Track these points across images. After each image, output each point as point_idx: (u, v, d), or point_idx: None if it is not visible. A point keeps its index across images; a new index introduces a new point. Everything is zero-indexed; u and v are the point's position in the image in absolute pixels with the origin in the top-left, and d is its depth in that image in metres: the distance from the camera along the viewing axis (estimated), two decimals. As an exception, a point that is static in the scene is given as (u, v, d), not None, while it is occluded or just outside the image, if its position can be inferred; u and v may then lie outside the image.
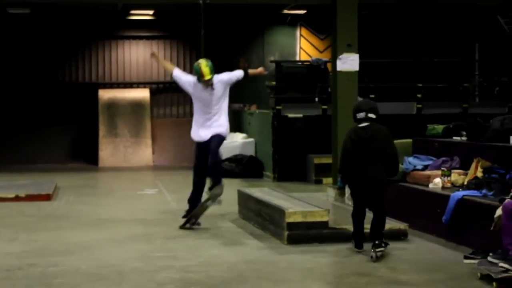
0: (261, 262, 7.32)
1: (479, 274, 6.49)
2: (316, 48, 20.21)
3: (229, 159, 15.47)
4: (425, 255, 7.62)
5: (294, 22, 20.10)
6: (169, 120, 19.98)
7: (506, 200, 6.58)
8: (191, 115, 20.76)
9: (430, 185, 8.96)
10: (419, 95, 15.15)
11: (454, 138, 9.99)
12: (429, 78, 16.49)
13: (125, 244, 8.32)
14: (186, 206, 11.14)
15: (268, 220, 8.82)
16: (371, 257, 7.37)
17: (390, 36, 19.19)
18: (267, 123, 15.18)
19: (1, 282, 6.59)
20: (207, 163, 9.25)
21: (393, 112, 14.49)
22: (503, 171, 8.31)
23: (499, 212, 6.60)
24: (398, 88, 16.58)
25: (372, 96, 14.47)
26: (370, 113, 7.67)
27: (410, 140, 10.64)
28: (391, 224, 8.30)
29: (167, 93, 20.15)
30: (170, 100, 20.15)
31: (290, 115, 14.85)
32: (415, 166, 9.56)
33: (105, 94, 19.41)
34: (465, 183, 8.59)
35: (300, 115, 14.89)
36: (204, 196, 9.38)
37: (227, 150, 15.04)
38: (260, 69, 9.76)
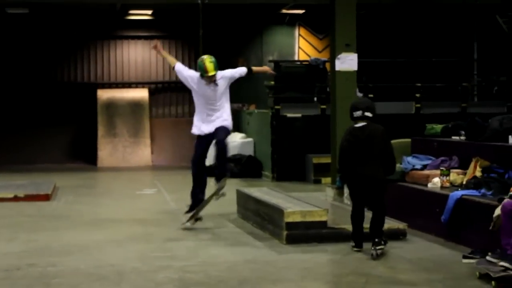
0: (260, 262, 7.32)
1: (477, 274, 6.50)
2: (315, 48, 20.22)
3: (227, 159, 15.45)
4: (424, 255, 7.62)
5: (293, 21, 20.11)
6: (168, 120, 19.98)
7: (505, 200, 6.58)
8: (190, 115, 20.96)
9: (429, 185, 8.96)
10: (417, 95, 15.15)
11: (453, 137, 9.99)
12: (428, 78, 16.49)
13: (124, 244, 8.31)
14: (185, 207, 11.16)
15: (267, 220, 8.82)
16: (372, 255, 7.42)
17: (388, 35, 19.19)
18: (266, 123, 15.18)
19: (0, 282, 6.59)
20: (205, 156, 9.28)
21: (391, 111, 14.50)
22: (502, 170, 8.31)
23: (498, 211, 6.60)
24: (396, 88, 16.58)
25: (371, 95, 14.47)
26: (367, 111, 7.69)
27: (409, 140, 10.64)
28: (390, 223, 8.30)
29: (165, 93, 20.15)
30: (169, 100, 20.16)
31: (289, 115, 14.85)
32: (414, 166, 9.56)
33: (103, 94, 19.41)
34: (464, 182, 8.59)
35: (299, 115, 14.89)
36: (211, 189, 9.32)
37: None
38: (267, 68, 9.71)
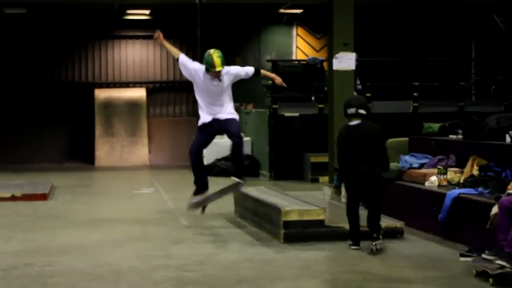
0: (258, 260, 7.32)
1: (474, 271, 6.51)
2: (313, 47, 20.22)
3: (225, 158, 15.45)
4: (421, 253, 7.63)
5: (291, 21, 20.11)
6: (165, 120, 19.98)
7: (502, 197, 6.59)
8: (188, 114, 21.01)
9: (426, 183, 8.97)
10: (415, 94, 15.17)
11: (450, 136, 10.01)
12: (426, 77, 16.52)
13: (121, 243, 8.31)
14: (183, 205, 11.14)
15: (265, 219, 8.82)
16: (372, 250, 7.53)
17: (386, 35, 19.20)
18: (264, 122, 15.18)
19: (-3, 281, 6.60)
20: (205, 147, 9.16)
21: (389, 110, 14.53)
22: (499, 169, 8.33)
23: (495, 210, 6.62)
24: (394, 87, 16.60)
25: (369, 95, 14.50)
26: (361, 109, 7.73)
27: (406, 139, 10.64)
28: (387, 222, 8.32)
29: (163, 92, 20.15)
30: (167, 100, 20.15)
31: (286, 114, 14.86)
32: (411, 165, 9.57)
33: (101, 94, 19.40)
34: (461, 181, 8.60)
35: (297, 114, 14.90)
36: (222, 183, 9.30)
37: (223, 149, 15.02)
38: (277, 77, 9.30)
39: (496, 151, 8.67)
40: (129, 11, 19.03)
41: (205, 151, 9.56)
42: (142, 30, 19.83)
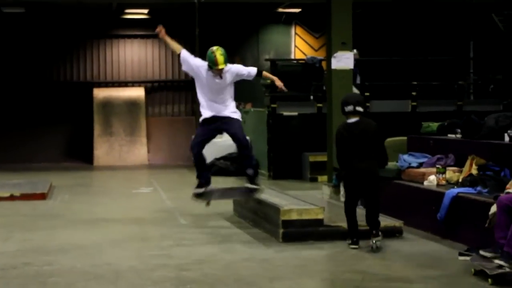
0: (257, 260, 7.33)
1: (473, 270, 6.51)
2: (311, 47, 20.24)
3: (224, 158, 15.47)
4: (420, 252, 7.63)
5: (289, 20, 20.13)
6: (164, 119, 19.99)
7: (501, 195, 6.61)
8: (186, 113, 21.00)
9: (425, 183, 8.97)
10: (414, 93, 15.18)
11: (449, 135, 10.01)
12: (424, 76, 16.53)
13: (120, 242, 8.31)
14: (181, 205, 11.16)
15: (264, 218, 8.82)
16: (371, 248, 7.59)
17: (384, 34, 19.21)
18: (262, 121, 15.18)
19: (-4, 281, 6.60)
20: (206, 143, 9.02)
21: (388, 110, 14.53)
22: (498, 168, 8.33)
23: (493, 209, 6.62)
24: (393, 86, 16.61)
25: (367, 94, 14.51)
26: (358, 106, 7.78)
27: (405, 138, 10.65)
28: (386, 221, 8.32)
29: (162, 91, 20.16)
30: (165, 99, 20.16)
31: (285, 113, 14.85)
32: (410, 164, 9.57)
33: (100, 93, 19.40)
34: (460, 180, 8.61)
35: (295, 113, 14.90)
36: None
37: (222, 148, 15.05)
38: (279, 81, 9.10)
39: (495, 150, 8.68)
40: (127, 11, 19.04)
41: (203, 151, 9.50)
42: (141, 30, 19.83)
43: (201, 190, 9.04)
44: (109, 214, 10.45)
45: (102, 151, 18.90)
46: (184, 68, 9.15)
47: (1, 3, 16.93)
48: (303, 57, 18.15)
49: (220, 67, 8.74)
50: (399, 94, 15.76)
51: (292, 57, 19.91)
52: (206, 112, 8.95)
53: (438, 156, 9.48)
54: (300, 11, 19.49)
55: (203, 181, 9.07)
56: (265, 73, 9.30)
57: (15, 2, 17.05)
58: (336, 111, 11.19)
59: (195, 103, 19.43)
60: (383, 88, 16.39)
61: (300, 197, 9.29)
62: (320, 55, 17.52)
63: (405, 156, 9.75)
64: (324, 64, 14.49)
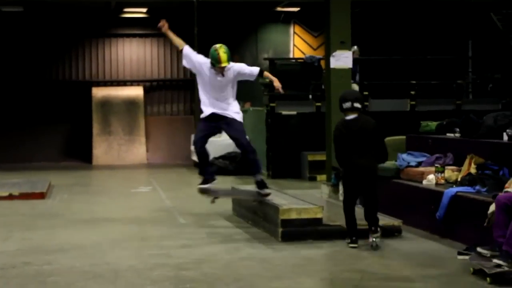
0: (256, 259, 7.33)
1: (471, 269, 6.52)
2: (310, 46, 20.24)
3: (222, 157, 15.47)
4: (419, 251, 7.64)
5: (288, 19, 20.13)
6: (162, 118, 19.99)
7: (500, 194, 6.61)
8: (185, 113, 20.98)
9: (424, 182, 8.98)
10: (412, 92, 15.18)
11: (448, 134, 10.01)
12: (423, 75, 16.54)
13: (119, 242, 8.31)
14: (180, 204, 11.17)
15: (262, 217, 8.83)
16: (371, 245, 7.66)
17: (383, 33, 19.22)
18: (261, 121, 15.19)
19: (-4, 280, 6.60)
20: (208, 138, 8.98)
21: (386, 109, 14.54)
22: (497, 167, 8.33)
23: (492, 208, 6.62)
24: (391, 85, 16.62)
25: (366, 93, 14.51)
26: (356, 102, 7.83)
27: (403, 137, 10.66)
28: (385, 220, 8.33)
29: (160, 91, 20.16)
30: (164, 98, 20.17)
31: (284, 113, 14.85)
32: (408, 163, 9.58)
33: (98, 92, 19.40)
34: (459, 179, 8.61)
35: (294, 112, 14.90)
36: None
37: (220, 147, 15.05)
38: (277, 82, 8.91)
39: (494, 149, 8.68)
40: (126, 9, 19.04)
41: (193, 149, 9.41)
42: (139, 28, 19.85)
43: (207, 185, 9.02)
44: (108, 214, 10.45)
45: (101, 150, 18.90)
46: (185, 64, 9.08)
47: (0, 2, 16.92)
48: (301, 56, 18.16)
49: (223, 65, 8.69)
50: (397, 93, 15.76)
51: (291, 56, 19.91)
52: (207, 109, 8.89)
53: (437, 155, 9.48)
54: (298, 10, 19.49)
55: (207, 177, 9.04)
56: (266, 73, 9.18)
57: (13, 1, 17.06)
58: (335, 110, 11.19)
59: (194, 102, 19.50)
60: (382, 87, 16.40)
61: (299, 196, 9.29)
62: (319, 54, 17.53)
63: (404, 155, 9.76)
64: (323, 63, 14.49)
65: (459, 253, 7.18)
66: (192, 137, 17.43)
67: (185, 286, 6.34)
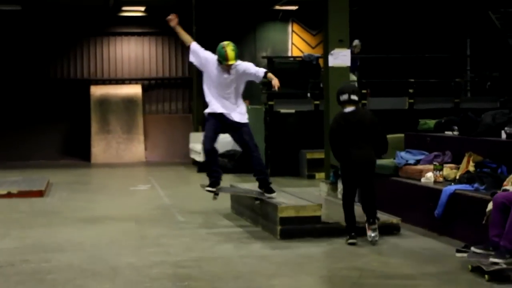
0: (254, 257, 7.33)
1: (470, 267, 6.53)
2: (308, 44, 20.24)
3: (221, 155, 15.41)
4: (418, 249, 7.65)
5: (286, 18, 20.13)
6: (161, 116, 19.99)
7: (498, 193, 6.62)
8: (184, 111, 20.96)
9: (422, 180, 8.98)
10: (411, 90, 15.18)
11: (446, 132, 10.02)
12: (421, 73, 16.54)
13: (118, 239, 8.31)
14: (179, 202, 11.17)
15: (261, 215, 8.83)
16: (371, 241, 7.75)
17: (381, 31, 19.22)
18: (260, 119, 15.18)
19: (-6, 278, 6.59)
20: (217, 138, 8.93)
21: (385, 107, 14.54)
22: (495, 165, 8.34)
23: (490, 206, 6.63)
24: (390, 83, 16.64)
25: (364, 91, 14.51)
26: (353, 95, 7.88)
27: (402, 135, 10.67)
28: (383, 218, 8.34)
29: (159, 89, 20.16)
30: (162, 96, 20.16)
31: (282, 111, 14.86)
32: (407, 161, 9.58)
33: (97, 91, 19.40)
34: (457, 177, 8.62)
35: (293, 111, 14.91)
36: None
37: (220, 145, 14.98)
38: (276, 81, 8.71)
39: (492, 147, 8.69)
40: (124, 8, 19.03)
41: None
42: (138, 27, 19.84)
43: (213, 189, 8.98)
44: (106, 212, 10.45)
45: (99, 148, 18.90)
46: (192, 59, 9.00)
47: (-2, 1, 16.92)
48: (300, 54, 18.15)
49: (230, 62, 8.64)
50: (396, 91, 15.78)
51: (289, 54, 19.92)
52: (215, 106, 8.80)
53: (435, 153, 9.49)
54: (297, 9, 19.49)
55: (213, 180, 8.99)
56: (269, 74, 8.90)
57: (11, -1, 17.05)
58: (333, 109, 11.20)
59: (193, 101, 19.51)
60: (380, 85, 16.41)
61: (298, 194, 9.29)
62: (317, 52, 17.53)
63: (402, 153, 9.76)
64: (321, 61, 14.49)
65: (458, 251, 7.19)
66: (191, 135, 17.57)
67: (184, 283, 6.35)
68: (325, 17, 11.65)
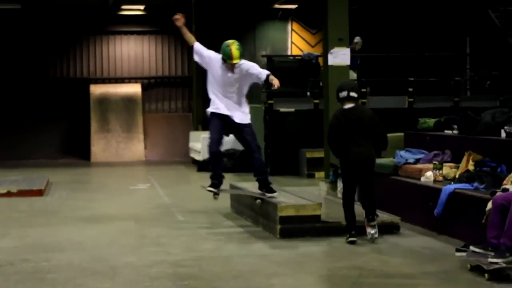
0: (254, 256, 7.34)
1: (469, 266, 6.53)
2: (308, 43, 20.23)
3: (221, 154, 15.44)
4: (417, 248, 7.65)
5: (286, 16, 20.12)
6: (161, 115, 19.99)
7: (496, 194, 6.61)
8: (183, 110, 20.96)
9: (422, 179, 8.98)
10: (410, 89, 15.18)
11: (446, 131, 10.02)
12: (421, 72, 16.53)
13: (117, 239, 8.31)
14: (179, 201, 11.18)
15: (261, 214, 8.83)
16: (370, 239, 7.78)
17: (381, 30, 19.21)
18: (259, 118, 15.17)
19: (-6, 277, 6.59)
20: (222, 139, 8.91)
21: (384, 106, 14.53)
22: (494, 164, 8.34)
23: (490, 205, 6.63)
24: (389, 82, 16.62)
25: (364, 90, 14.50)
26: (352, 92, 7.89)
27: (401, 134, 10.66)
28: (383, 217, 8.34)
29: (158, 88, 20.15)
30: (162, 95, 20.16)
31: (282, 110, 14.85)
32: (406, 160, 9.58)
33: (96, 90, 19.39)
34: (457, 176, 8.62)
35: (292, 110, 14.90)
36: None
37: (219, 144, 15.03)
38: (277, 82, 8.57)
39: (492, 146, 8.69)
40: (123, 7, 19.02)
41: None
42: (137, 26, 19.83)
43: (214, 189, 8.95)
44: (106, 211, 10.45)
45: (99, 147, 18.89)
46: (196, 59, 9.01)
47: (-3, 0, 16.91)
48: (299, 53, 18.15)
49: (235, 61, 8.63)
50: (395, 90, 15.77)
51: (289, 53, 19.91)
52: (219, 106, 8.77)
53: (435, 152, 9.49)
54: (296, 7, 19.48)
55: (216, 182, 8.96)
56: (271, 76, 8.74)
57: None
58: (333, 107, 11.18)
59: (192, 100, 19.50)
60: (380, 84, 16.40)
61: (298, 193, 9.29)
62: (317, 51, 17.52)
63: (402, 152, 9.76)
64: (320, 60, 14.49)
65: (457, 250, 7.18)
66: (191, 134, 17.57)
67: (184, 283, 6.35)
68: (324, 16, 11.65)
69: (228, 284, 6.28)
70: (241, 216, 9.65)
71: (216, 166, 8.99)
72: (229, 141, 15.95)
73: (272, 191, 8.78)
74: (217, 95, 8.81)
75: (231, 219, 9.54)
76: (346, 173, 8.01)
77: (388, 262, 7.06)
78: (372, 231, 7.83)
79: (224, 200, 10.21)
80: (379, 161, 8.70)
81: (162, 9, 18.96)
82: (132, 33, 19.95)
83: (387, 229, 8.26)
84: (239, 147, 15.98)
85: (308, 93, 15.34)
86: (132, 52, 19.97)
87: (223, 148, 15.18)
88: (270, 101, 14.82)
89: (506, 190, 6.70)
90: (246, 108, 8.96)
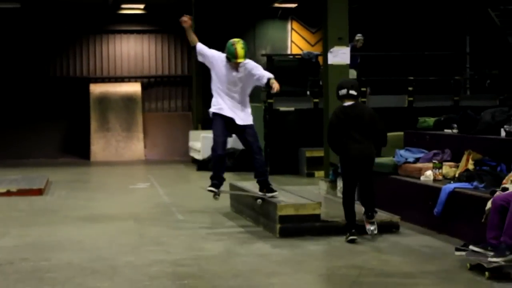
0: (254, 255, 7.34)
1: (468, 265, 6.53)
2: (308, 42, 20.23)
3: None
4: (417, 247, 7.65)
5: (285, 15, 20.12)
6: (160, 114, 19.99)
7: (496, 194, 6.61)
8: (183, 109, 20.97)
9: (422, 178, 8.98)
10: (410, 88, 15.18)
11: (445, 130, 10.02)
12: (421, 71, 16.53)
13: (117, 238, 8.31)
14: (178, 200, 11.18)
15: (261, 214, 8.83)
16: (370, 235, 7.86)
17: (381, 29, 19.21)
18: (259, 117, 15.15)
19: (-6, 276, 6.59)
20: (227, 139, 8.90)
21: (384, 105, 14.53)
22: (494, 163, 8.34)
23: (490, 204, 6.63)
24: (389, 81, 16.62)
25: (364, 89, 14.50)
26: (352, 89, 7.92)
27: (401, 133, 10.66)
28: (383, 216, 8.34)
29: (158, 87, 20.15)
30: (162, 94, 20.16)
31: (281, 109, 14.85)
32: (406, 159, 9.58)
33: (96, 89, 19.39)
34: (457, 175, 8.62)
35: (292, 109, 14.90)
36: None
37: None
38: (277, 87, 8.52)
39: (491, 145, 8.69)
40: (123, 6, 19.03)
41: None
42: (137, 25, 19.84)
43: (214, 189, 8.91)
44: (106, 210, 10.45)
45: (98, 146, 18.89)
46: (200, 59, 8.99)
47: (-3, -1, 16.91)
48: (299, 52, 18.15)
49: (239, 60, 8.61)
50: (395, 89, 15.77)
51: (289, 52, 19.91)
52: (222, 107, 8.74)
53: (435, 151, 9.49)
54: (296, 6, 19.48)
55: (216, 182, 8.91)
56: (272, 80, 8.65)
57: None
58: (333, 106, 11.17)
59: (192, 99, 19.51)
60: (380, 83, 16.40)
61: (297, 192, 9.29)
62: (317, 50, 17.53)
63: (402, 151, 9.76)
64: (320, 59, 14.48)
65: (457, 249, 7.17)
66: (190, 133, 17.57)
67: (183, 282, 6.35)
68: (324, 15, 11.65)
69: (228, 283, 6.28)
70: (241, 215, 9.65)
71: (219, 168, 8.91)
72: (229, 140, 15.95)
73: (273, 190, 8.78)
74: (220, 94, 8.79)
75: (231, 219, 9.53)
76: (346, 170, 8.01)
77: (387, 261, 7.06)
78: (372, 227, 7.88)
79: (224, 200, 10.20)
80: (378, 160, 8.71)
81: (162, 8, 18.99)
82: (132, 32, 19.95)
83: (386, 228, 8.26)
84: (239, 146, 15.98)
85: (308, 92, 15.34)
86: (132, 51, 19.97)
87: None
88: (270, 100, 14.81)
89: (505, 189, 6.70)
90: (249, 109, 8.95)
